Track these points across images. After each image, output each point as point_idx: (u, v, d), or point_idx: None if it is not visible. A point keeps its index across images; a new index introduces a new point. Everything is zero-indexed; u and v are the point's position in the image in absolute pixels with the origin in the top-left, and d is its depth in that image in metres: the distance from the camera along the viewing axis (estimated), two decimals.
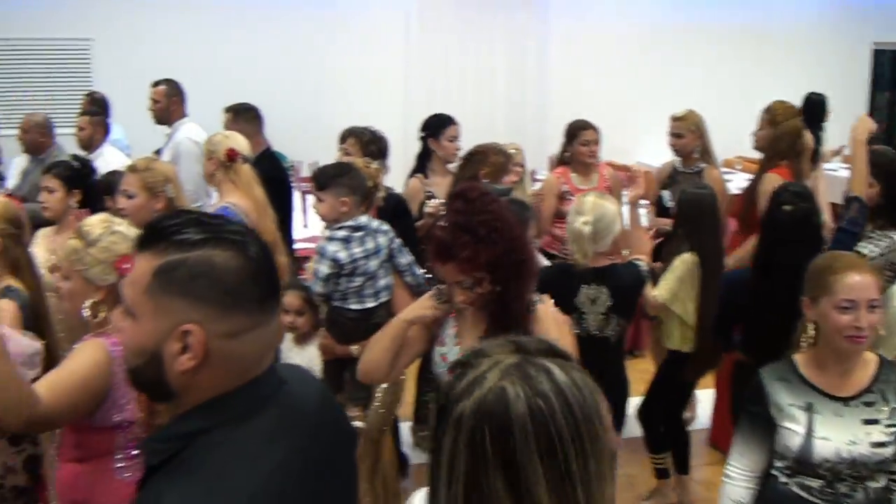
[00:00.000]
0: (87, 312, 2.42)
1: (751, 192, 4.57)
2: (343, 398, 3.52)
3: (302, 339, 3.58)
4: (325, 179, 3.54)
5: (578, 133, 4.88)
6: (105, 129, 5.67)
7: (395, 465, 3.90)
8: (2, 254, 3.06)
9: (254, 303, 1.29)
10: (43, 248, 3.66)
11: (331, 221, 3.54)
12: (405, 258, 3.68)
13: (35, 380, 2.87)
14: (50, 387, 2.22)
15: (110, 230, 2.46)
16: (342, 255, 3.43)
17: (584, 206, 3.41)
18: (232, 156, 3.87)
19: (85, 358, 2.33)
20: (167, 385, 1.29)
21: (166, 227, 1.30)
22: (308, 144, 7.12)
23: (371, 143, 4.42)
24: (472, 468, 1.09)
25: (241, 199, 3.78)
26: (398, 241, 3.65)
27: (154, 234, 1.30)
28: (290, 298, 3.48)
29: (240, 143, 3.98)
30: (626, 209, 3.91)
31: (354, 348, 3.43)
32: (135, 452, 2.44)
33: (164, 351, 1.26)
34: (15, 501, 3.06)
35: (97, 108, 6.05)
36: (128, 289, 1.32)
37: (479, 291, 2.37)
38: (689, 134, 4.79)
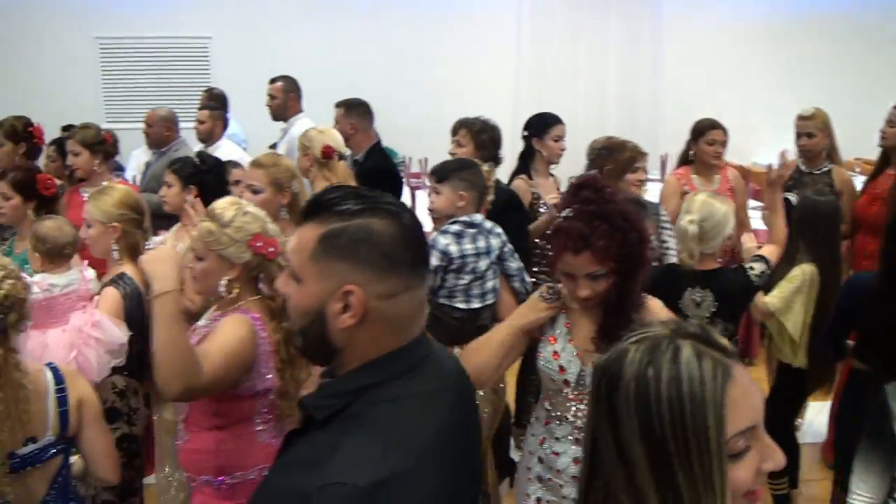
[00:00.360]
0: (223, 289, 2.55)
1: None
2: None
3: None
4: (445, 172, 3.48)
5: (705, 132, 4.74)
6: (224, 124, 5.87)
7: (496, 472, 3.87)
8: (122, 239, 3.24)
9: (407, 266, 1.40)
10: (171, 240, 3.81)
11: (445, 216, 3.47)
12: (515, 263, 3.55)
13: (118, 370, 3.11)
14: (205, 359, 2.34)
15: (242, 211, 2.59)
16: (453, 249, 3.36)
17: (693, 204, 3.32)
18: (328, 153, 3.93)
19: (232, 332, 2.46)
20: (330, 343, 1.41)
21: (328, 199, 1.42)
22: (418, 142, 7.20)
23: (482, 132, 4.36)
24: (593, 417, 1.25)
25: None
26: (510, 245, 3.54)
27: (317, 206, 1.43)
28: None
29: (336, 139, 4.03)
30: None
31: (455, 350, 3.40)
32: (269, 416, 2.60)
33: (328, 310, 1.38)
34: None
35: (216, 104, 6.27)
36: (293, 256, 1.44)
37: (605, 284, 2.35)
38: (819, 133, 4.65)
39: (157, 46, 8.13)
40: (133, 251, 3.27)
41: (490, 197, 3.75)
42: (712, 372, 1.15)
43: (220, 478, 2.55)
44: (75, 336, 2.99)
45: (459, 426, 1.49)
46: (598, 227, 2.29)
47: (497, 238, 3.47)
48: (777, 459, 1.19)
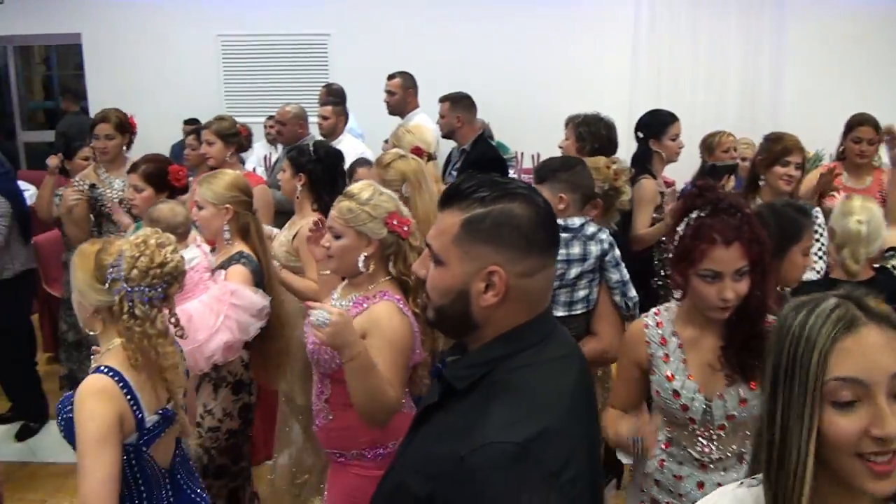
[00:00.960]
0: (361, 264, 2.68)
1: None
2: None
3: None
4: (544, 172, 3.30)
5: (853, 128, 4.53)
6: (345, 119, 6.00)
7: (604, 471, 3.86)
8: (233, 220, 3.43)
9: (543, 246, 1.52)
10: (286, 233, 3.98)
11: None
12: (617, 274, 3.21)
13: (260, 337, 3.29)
14: (389, 372, 2.49)
15: (378, 192, 2.75)
16: None
17: (852, 206, 3.18)
18: (417, 153, 3.92)
19: (394, 325, 2.60)
20: (471, 319, 1.52)
21: (466, 188, 1.53)
22: (530, 137, 7.24)
23: (581, 126, 4.29)
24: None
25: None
26: (616, 254, 3.22)
27: (456, 194, 1.54)
28: None
29: (426, 139, 4.09)
30: None
31: None
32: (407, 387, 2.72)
33: (471, 290, 1.50)
34: (226, 442, 3.44)
35: (336, 99, 6.45)
36: (435, 240, 1.56)
37: (746, 286, 2.22)
38: None
39: (276, 44, 8.38)
40: (243, 232, 3.47)
41: (626, 196, 3.60)
42: (835, 320, 1.26)
43: (378, 449, 2.68)
44: (216, 304, 3.18)
45: (587, 390, 1.62)
46: (743, 219, 2.22)
47: (598, 245, 3.16)
48: (887, 427, 1.21)
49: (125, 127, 4.74)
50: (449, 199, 1.56)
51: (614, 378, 2.92)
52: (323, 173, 3.89)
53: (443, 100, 5.35)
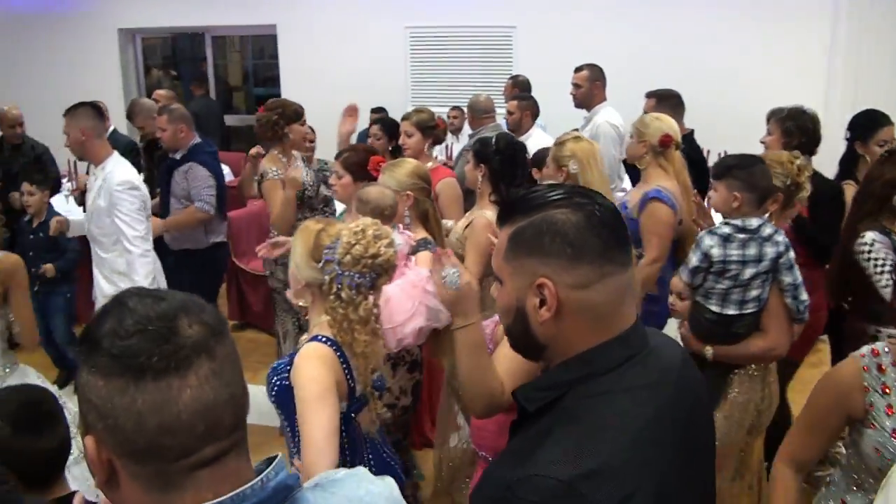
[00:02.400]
0: None
1: None
2: None
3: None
4: (721, 169, 3.36)
5: None
6: (533, 114, 6.09)
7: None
8: (413, 206, 3.65)
9: (596, 253, 1.43)
10: (463, 221, 4.09)
11: (724, 215, 3.37)
12: (790, 277, 3.28)
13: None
14: (505, 375, 2.44)
15: None
16: (715, 252, 3.25)
17: None
18: (666, 141, 3.97)
19: None
20: (535, 338, 1.49)
21: (515, 201, 1.55)
22: (717, 133, 7.14)
23: (787, 120, 4.23)
24: None
25: (670, 183, 3.94)
26: (791, 256, 3.29)
27: (509, 209, 1.54)
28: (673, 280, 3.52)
29: (674, 128, 4.06)
30: None
31: (708, 350, 3.35)
32: None
33: (527, 306, 1.47)
34: (400, 417, 3.66)
35: (522, 92, 6.62)
36: (495, 259, 1.56)
37: None
38: None
39: (462, 35, 8.57)
40: (423, 218, 3.68)
41: (805, 192, 3.60)
42: None
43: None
44: (411, 290, 3.33)
45: (677, 422, 1.47)
46: None
47: (773, 247, 3.24)
48: None
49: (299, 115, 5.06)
50: (502, 216, 1.55)
51: (795, 420, 2.61)
52: (502, 165, 3.95)
53: (648, 95, 5.39)
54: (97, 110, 4.56)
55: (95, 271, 4.73)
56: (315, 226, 2.59)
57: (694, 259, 3.30)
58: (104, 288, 4.64)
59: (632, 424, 1.37)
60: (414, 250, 3.55)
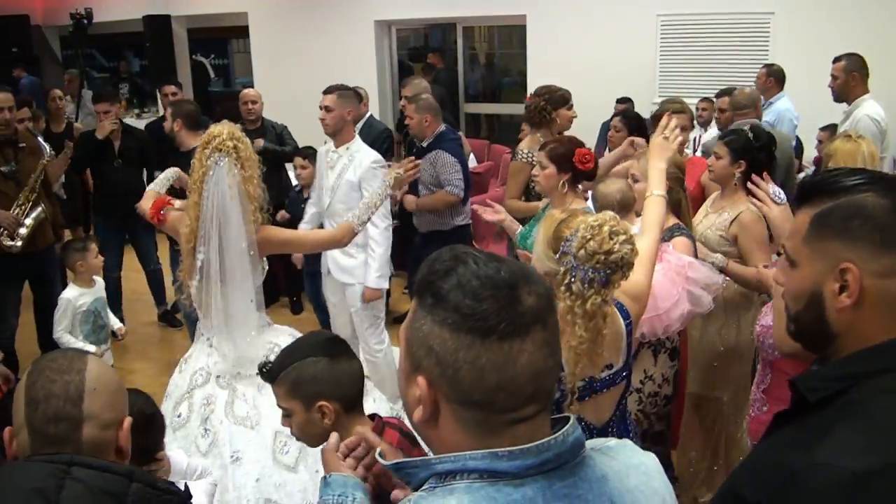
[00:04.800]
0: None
1: None
2: None
3: None
4: None
5: None
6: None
7: None
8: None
9: None
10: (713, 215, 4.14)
11: None
12: None
13: None
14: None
15: None
16: None
17: None
18: None
19: None
20: (827, 326, 1.47)
21: (820, 181, 1.53)
22: None
23: None
24: None
25: None
26: None
27: (807, 191, 1.53)
28: None
29: None
30: None
31: None
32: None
33: (825, 291, 1.45)
34: (663, 409, 3.74)
35: (774, 81, 6.53)
36: (789, 241, 1.56)
37: None
38: None
39: (715, 23, 8.39)
40: (675, 208, 3.71)
41: None
42: None
43: None
44: (674, 275, 3.43)
45: None
46: None
47: None
48: None
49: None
50: (801, 197, 1.54)
51: None
52: (764, 161, 3.90)
53: None
54: (360, 98, 5.16)
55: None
56: (559, 216, 2.68)
57: None
58: (339, 260, 5.21)
59: None
60: (668, 236, 3.60)
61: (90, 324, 4.97)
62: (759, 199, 3.30)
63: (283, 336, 3.94)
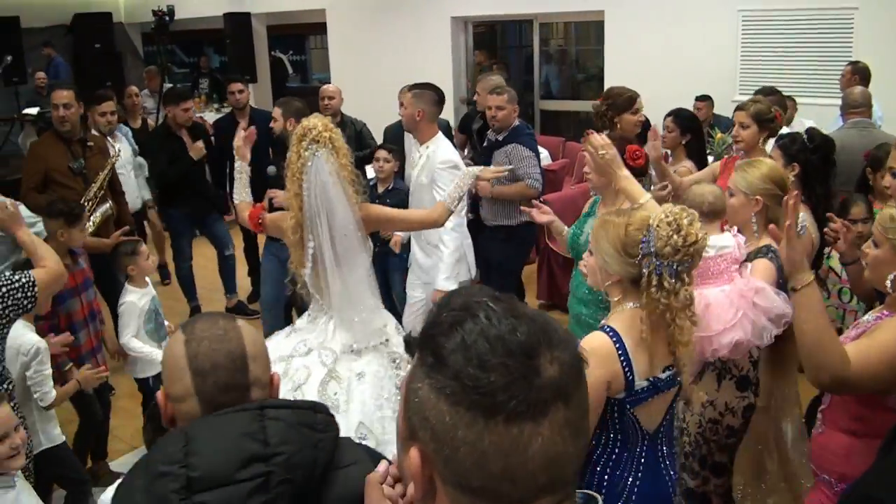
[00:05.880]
0: (888, 284, 2.60)
1: None
2: None
3: None
4: None
5: None
6: None
7: None
8: (762, 212, 3.49)
9: None
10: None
11: None
12: None
13: None
14: (859, 354, 2.41)
15: None
16: None
17: None
18: None
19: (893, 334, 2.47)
20: None
21: None
22: None
23: None
24: None
25: None
26: None
27: None
28: None
29: None
30: None
31: None
32: None
33: None
34: (726, 439, 3.60)
35: (860, 78, 6.45)
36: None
37: None
38: None
39: (799, 18, 8.31)
40: (768, 224, 3.39)
41: None
42: None
43: (843, 484, 2.59)
44: (737, 298, 3.26)
45: None
46: None
47: None
48: None
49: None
50: None
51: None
52: (818, 163, 3.85)
53: None
54: (439, 97, 5.28)
55: (413, 242, 5.57)
56: (619, 219, 2.64)
57: None
58: (419, 258, 5.50)
59: None
60: (753, 257, 3.49)
61: (152, 322, 5.07)
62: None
63: (389, 317, 4.20)
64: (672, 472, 2.75)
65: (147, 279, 5.25)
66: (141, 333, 4.99)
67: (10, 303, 3.45)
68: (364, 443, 3.75)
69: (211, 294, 7.97)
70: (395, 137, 6.70)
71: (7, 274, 3.57)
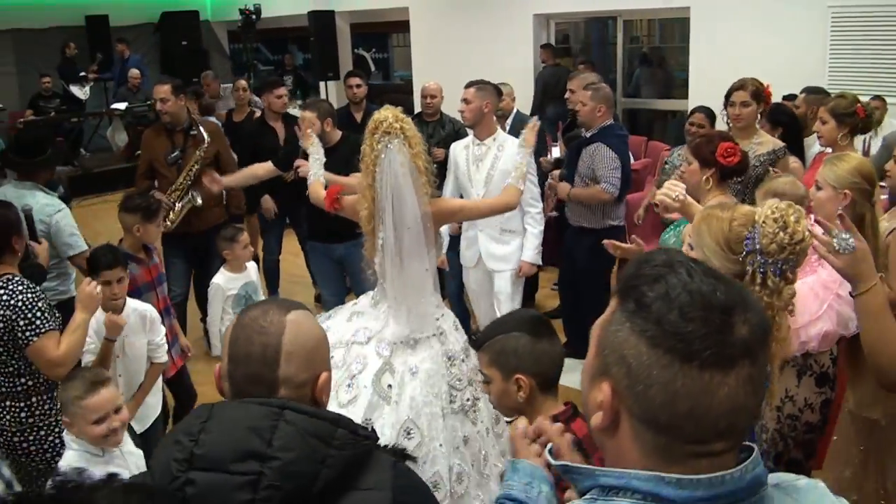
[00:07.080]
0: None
1: None
2: None
3: None
4: None
5: None
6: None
7: None
8: (849, 207, 3.37)
9: None
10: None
11: None
12: None
13: None
14: None
15: None
16: None
17: None
18: None
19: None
20: None
21: None
22: None
23: None
24: None
25: None
26: None
27: None
28: None
29: None
30: None
31: None
32: None
33: None
34: (804, 435, 3.59)
35: None
36: None
37: None
38: None
39: (890, 15, 8.15)
40: (859, 221, 3.35)
41: None
42: None
43: None
44: (821, 290, 3.27)
45: None
46: None
47: None
48: None
49: (760, 96, 5.20)
50: None
51: None
52: None
53: None
54: (499, 93, 5.51)
55: (473, 233, 5.68)
56: (723, 213, 2.61)
57: None
58: (493, 249, 5.62)
59: None
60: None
61: (241, 307, 5.22)
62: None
63: (449, 314, 4.37)
64: None
65: (247, 266, 5.47)
66: (227, 317, 5.20)
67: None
68: (410, 438, 3.88)
69: (292, 286, 8.19)
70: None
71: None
